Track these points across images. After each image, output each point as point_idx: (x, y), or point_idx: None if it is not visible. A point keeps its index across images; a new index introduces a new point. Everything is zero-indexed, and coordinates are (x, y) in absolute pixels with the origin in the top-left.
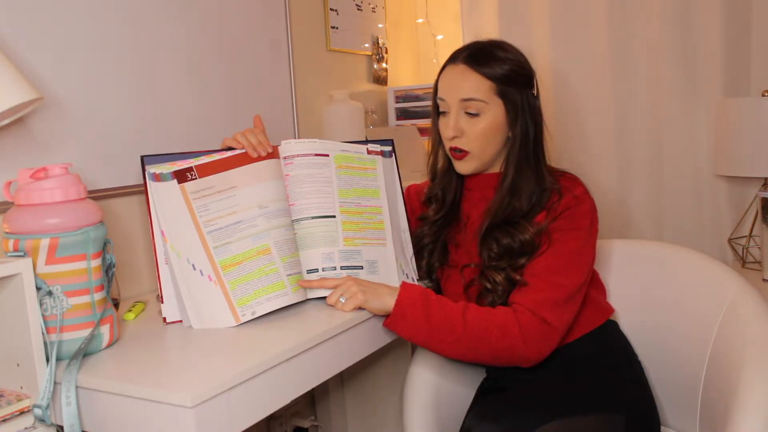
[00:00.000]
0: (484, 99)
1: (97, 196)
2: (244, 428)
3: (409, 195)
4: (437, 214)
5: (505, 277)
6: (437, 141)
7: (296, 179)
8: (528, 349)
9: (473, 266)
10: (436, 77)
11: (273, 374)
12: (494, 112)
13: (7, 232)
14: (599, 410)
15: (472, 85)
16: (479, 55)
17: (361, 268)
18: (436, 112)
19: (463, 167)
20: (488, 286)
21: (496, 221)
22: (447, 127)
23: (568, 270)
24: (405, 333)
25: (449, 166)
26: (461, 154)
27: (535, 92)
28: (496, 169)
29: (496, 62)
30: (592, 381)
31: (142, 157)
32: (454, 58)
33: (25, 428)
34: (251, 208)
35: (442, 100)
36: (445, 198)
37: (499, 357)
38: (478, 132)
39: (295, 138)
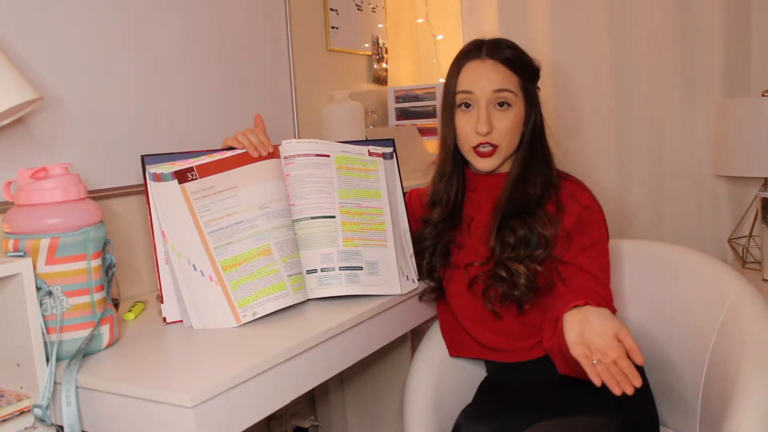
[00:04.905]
0: (515, 90)
1: (97, 196)
2: (244, 428)
3: (410, 198)
4: (441, 216)
5: (527, 267)
6: (451, 139)
7: (297, 179)
8: None
9: (478, 265)
10: (445, 75)
11: (273, 374)
12: (519, 106)
13: (7, 232)
14: (593, 411)
15: (503, 77)
16: (502, 50)
17: (361, 269)
18: (450, 109)
19: (489, 164)
20: (503, 274)
21: (511, 210)
22: (478, 122)
23: (608, 282)
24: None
25: (454, 168)
26: (491, 150)
27: (539, 88)
28: (505, 168)
29: (517, 57)
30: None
31: (143, 157)
32: (476, 54)
33: (25, 428)
34: (252, 209)
35: (469, 93)
36: (449, 200)
37: None
38: (507, 126)
39: (296, 138)
